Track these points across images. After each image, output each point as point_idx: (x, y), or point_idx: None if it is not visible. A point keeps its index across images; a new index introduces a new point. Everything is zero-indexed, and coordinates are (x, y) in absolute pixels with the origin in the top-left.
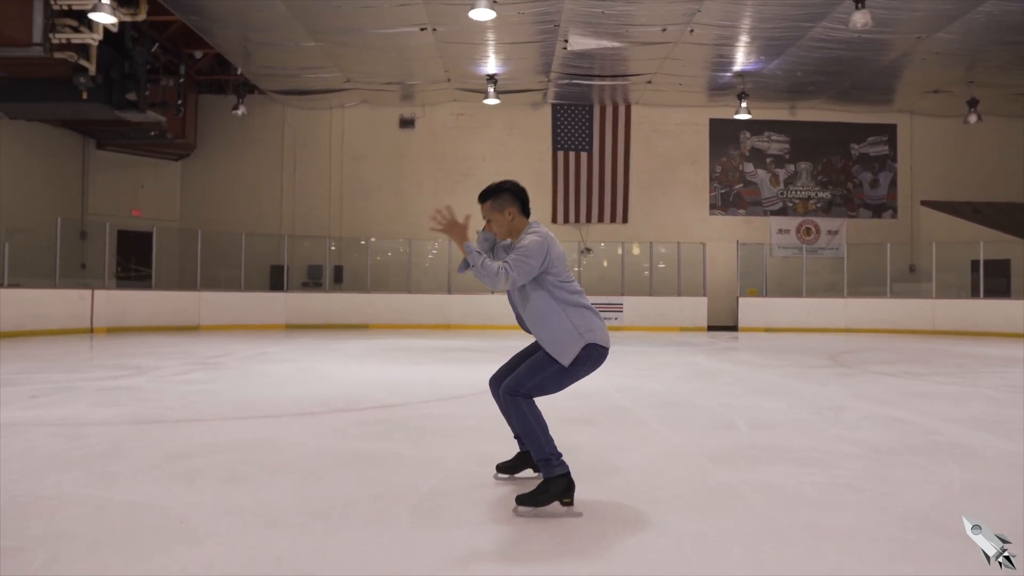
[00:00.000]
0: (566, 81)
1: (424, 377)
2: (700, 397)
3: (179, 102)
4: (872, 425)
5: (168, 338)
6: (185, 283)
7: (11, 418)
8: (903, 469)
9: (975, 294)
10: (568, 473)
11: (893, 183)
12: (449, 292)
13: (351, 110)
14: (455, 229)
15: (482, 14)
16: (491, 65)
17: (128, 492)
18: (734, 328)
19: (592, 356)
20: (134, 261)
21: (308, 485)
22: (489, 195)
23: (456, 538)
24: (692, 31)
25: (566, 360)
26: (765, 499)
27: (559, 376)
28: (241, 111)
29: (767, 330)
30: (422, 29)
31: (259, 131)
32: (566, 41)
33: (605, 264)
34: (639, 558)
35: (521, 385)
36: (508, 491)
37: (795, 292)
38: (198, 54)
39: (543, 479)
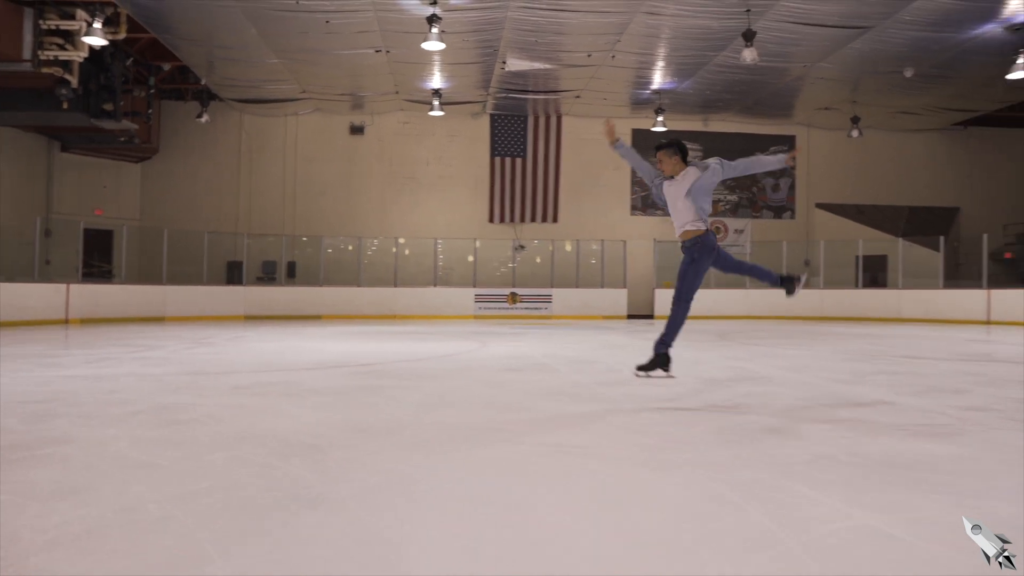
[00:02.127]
0: (503, 95)
1: (388, 349)
2: (603, 357)
3: (148, 111)
4: (719, 371)
5: (143, 327)
6: (145, 277)
7: (90, 373)
8: (724, 388)
9: (857, 285)
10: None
11: (792, 188)
12: (395, 285)
13: (305, 117)
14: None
15: (433, 45)
16: (436, 81)
17: (223, 400)
18: (651, 316)
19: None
20: (96, 258)
21: (344, 398)
22: (663, 147)
23: (445, 419)
24: (614, 57)
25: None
26: (629, 399)
27: None
28: (205, 119)
29: None
30: (377, 51)
31: (218, 136)
32: (504, 63)
33: (538, 260)
34: (540, 427)
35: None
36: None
37: (705, 284)
38: (165, 66)
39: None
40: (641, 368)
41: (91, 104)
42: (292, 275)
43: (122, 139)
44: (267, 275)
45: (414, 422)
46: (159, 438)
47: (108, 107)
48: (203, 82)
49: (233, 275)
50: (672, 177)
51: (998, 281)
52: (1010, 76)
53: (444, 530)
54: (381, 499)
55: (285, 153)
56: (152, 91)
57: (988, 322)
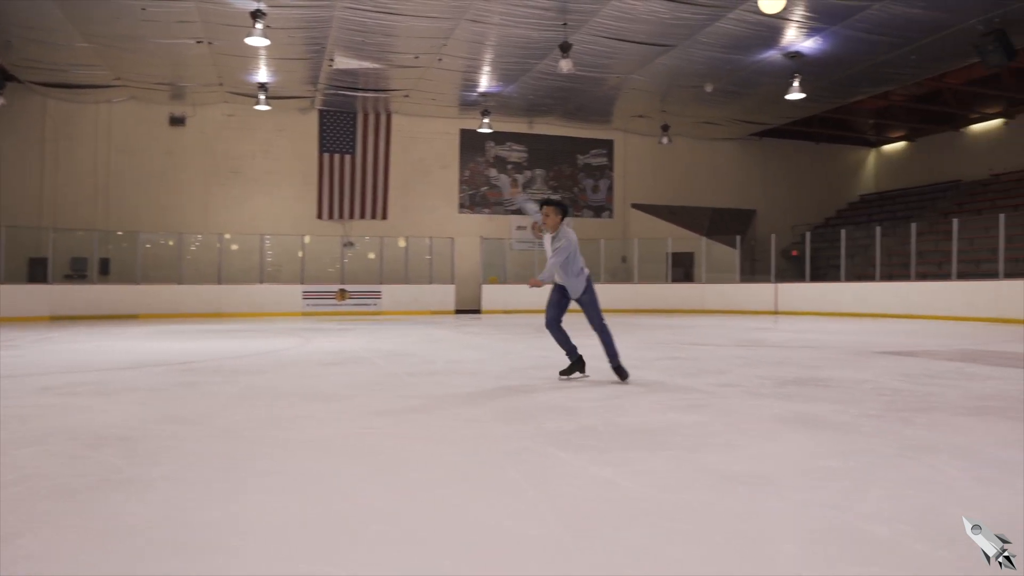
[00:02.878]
0: (332, 91)
1: (208, 347)
2: (420, 350)
3: None
4: (525, 360)
5: None
6: None
7: None
8: (523, 374)
9: (668, 280)
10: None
11: (610, 189)
12: (220, 283)
13: (119, 105)
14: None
15: (257, 41)
16: (263, 75)
17: (29, 401)
18: (478, 311)
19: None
20: None
21: (159, 394)
22: (552, 203)
23: (256, 409)
24: (441, 60)
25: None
26: (435, 386)
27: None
28: (0, 101)
29: (506, 312)
30: (198, 42)
31: (16, 120)
32: (332, 60)
33: (371, 256)
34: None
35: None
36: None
37: (529, 280)
38: None
39: (617, 368)
40: (563, 373)
41: None
42: (106, 272)
43: None
44: (77, 273)
45: (224, 413)
46: None
47: None
48: None
49: (36, 273)
50: (549, 232)
51: (786, 276)
52: (788, 97)
53: (244, 501)
54: (190, 477)
55: (97, 142)
56: None
57: (776, 312)
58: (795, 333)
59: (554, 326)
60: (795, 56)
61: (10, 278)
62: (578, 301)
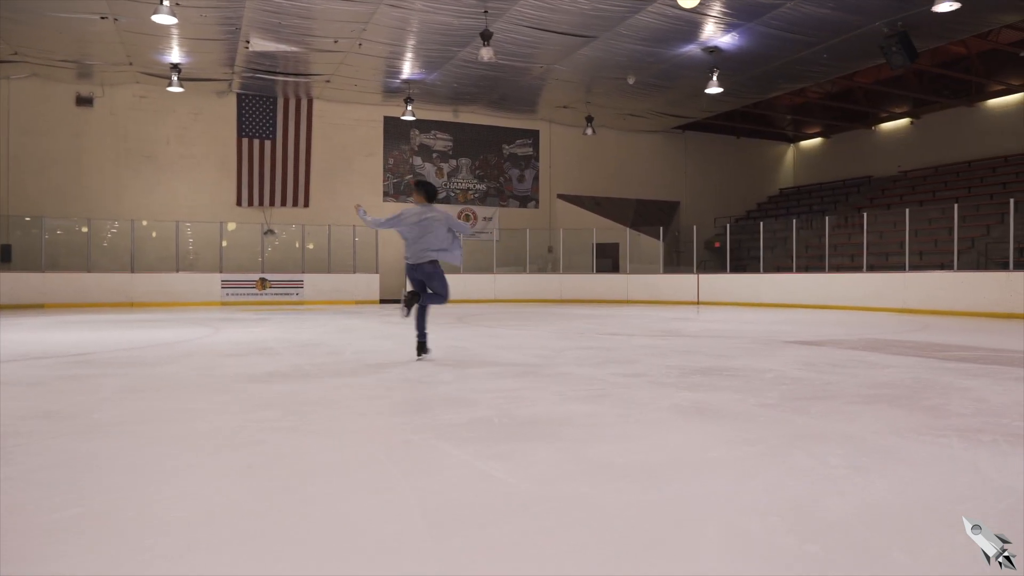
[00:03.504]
0: (250, 75)
1: (108, 338)
2: (332, 340)
3: None
4: (438, 350)
5: None
6: None
7: None
8: (426, 364)
9: (593, 270)
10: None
11: (536, 179)
12: (133, 271)
13: (19, 82)
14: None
15: (164, 19)
16: (175, 55)
17: None
18: None
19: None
20: None
21: (39, 388)
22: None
23: (138, 403)
24: (361, 45)
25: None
26: (332, 376)
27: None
28: None
29: None
30: (103, 18)
31: None
32: (247, 42)
33: (296, 245)
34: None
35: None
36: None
37: (455, 269)
38: None
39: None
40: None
41: None
42: (7, 259)
43: None
44: None
45: (103, 407)
46: None
47: None
48: None
49: None
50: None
51: (708, 267)
52: (707, 91)
53: (91, 502)
54: (39, 478)
55: None
56: None
57: (698, 302)
58: (712, 323)
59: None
60: (713, 51)
61: None
62: (434, 277)
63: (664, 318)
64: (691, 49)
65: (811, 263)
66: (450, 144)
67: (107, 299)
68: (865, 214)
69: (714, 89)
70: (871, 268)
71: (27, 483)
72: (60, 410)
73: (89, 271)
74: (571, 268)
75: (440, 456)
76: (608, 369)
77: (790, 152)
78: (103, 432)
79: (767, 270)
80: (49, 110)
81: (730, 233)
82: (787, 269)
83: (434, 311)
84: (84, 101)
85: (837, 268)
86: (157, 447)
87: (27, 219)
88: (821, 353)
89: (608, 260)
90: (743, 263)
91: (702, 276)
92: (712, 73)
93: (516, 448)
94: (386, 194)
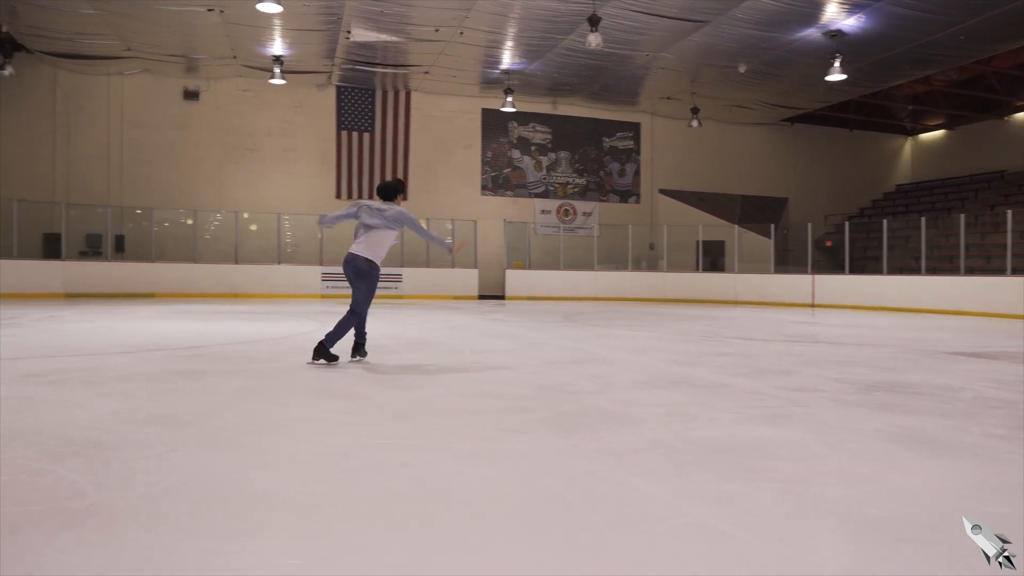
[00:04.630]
0: (350, 66)
1: (219, 329)
2: (444, 338)
3: None
4: (559, 351)
5: None
6: None
7: None
8: (563, 370)
9: (698, 269)
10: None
11: (637, 173)
12: (236, 262)
13: (132, 78)
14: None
15: (269, 7)
16: (277, 47)
17: (5, 391)
18: (502, 296)
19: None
20: None
21: (153, 385)
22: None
23: (261, 407)
24: (462, 33)
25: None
26: (467, 383)
27: None
28: (8, 71)
29: (530, 298)
30: (209, 10)
31: (26, 92)
32: (348, 32)
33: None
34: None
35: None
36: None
37: (554, 265)
38: None
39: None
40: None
41: None
42: (121, 249)
43: None
44: (92, 249)
45: (221, 413)
46: None
47: None
48: (4, 29)
49: (51, 249)
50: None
51: (820, 267)
52: (828, 78)
53: (230, 551)
54: (165, 509)
55: (110, 116)
56: None
57: (813, 305)
58: (844, 328)
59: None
60: (835, 35)
61: (24, 253)
62: (365, 278)
63: (786, 321)
64: (810, 33)
65: (938, 265)
66: (549, 137)
67: (212, 289)
68: (1010, 212)
69: (836, 76)
70: (1015, 271)
71: (150, 516)
72: (175, 415)
73: (196, 261)
74: (673, 266)
75: (640, 498)
76: (767, 381)
77: (907, 145)
78: (224, 446)
79: (890, 271)
80: (158, 104)
81: (848, 231)
82: (912, 271)
83: (537, 308)
84: (191, 95)
85: (971, 271)
86: (288, 464)
87: (138, 211)
88: (1001, 368)
89: (711, 258)
90: (860, 263)
91: (817, 277)
92: (834, 59)
93: (726, 488)
94: (484, 188)
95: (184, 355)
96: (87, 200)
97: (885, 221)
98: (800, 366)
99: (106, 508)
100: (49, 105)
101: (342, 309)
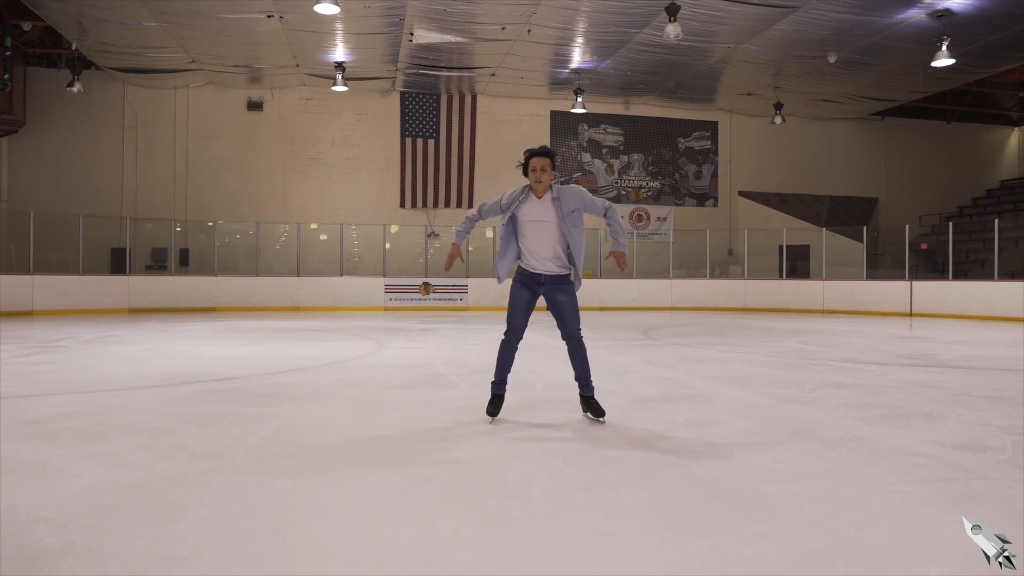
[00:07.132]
0: (414, 71)
1: (266, 354)
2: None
3: (5, 76)
4: (644, 383)
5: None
6: (12, 267)
7: None
8: (655, 412)
9: (781, 275)
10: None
11: (715, 175)
12: (299, 275)
13: (197, 90)
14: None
15: (327, 8)
16: (339, 53)
17: None
18: None
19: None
20: None
21: (159, 439)
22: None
23: (272, 479)
24: (530, 31)
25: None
26: (536, 432)
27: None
28: (77, 88)
29: (601, 309)
30: (269, 16)
31: (97, 108)
32: (411, 34)
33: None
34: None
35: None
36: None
37: (627, 273)
38: (26, 25)
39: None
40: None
41: None
42: (185, 263)
43: None
44: (157, 263)
45: (228, 488)
46: None
47: None
48: (74, 47)
49: (117, 264)
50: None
51: (916, 272)
52: (934, 64)
53: None
54: None
55: (176, 129)
56: (8, 53)
57: (911, 314)
58: (961, 344)
59: (519, 340)
60: (943, 15)
61: (93, 269)
62: (560, 297)
63: (890, 335)
64: (913, 15)
65: None
66: (621, 139)
67: (274, 303)
68: None
69: (944, 61)
70: None
71: None
72: (161, 493)
73: (258, 275)
74: (755, 272)
75: None
76: (914, 432)
77: (1014, 137)
78: (210, 555)
79: (1000, 276)
80: (222, 116)
81: (952, 232)
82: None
83: (608, 321)
84: (255, 105)
85: None
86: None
87: (209, 224)
88: None
89: (796, 263)
90: (963, 268)
91: (915, 283)
92: (941, 42)
93: None
94: None
95: (213, 391)
96: (153, 214)
97: (996, 220)
98: (944, 405)
99: None
100: (118, 120)
101: (406, 325)
